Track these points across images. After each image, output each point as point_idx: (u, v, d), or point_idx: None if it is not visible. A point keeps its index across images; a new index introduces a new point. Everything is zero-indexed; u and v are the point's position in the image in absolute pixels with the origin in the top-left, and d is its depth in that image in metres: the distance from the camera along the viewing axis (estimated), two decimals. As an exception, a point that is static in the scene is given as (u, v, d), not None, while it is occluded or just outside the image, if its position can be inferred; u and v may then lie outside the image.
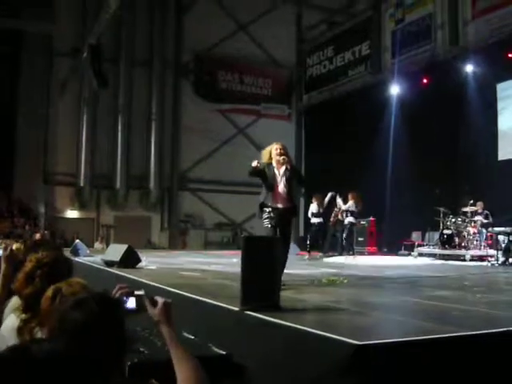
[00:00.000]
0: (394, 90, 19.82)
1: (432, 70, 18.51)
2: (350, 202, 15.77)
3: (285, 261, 6.80)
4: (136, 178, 23.20)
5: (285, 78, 26.48)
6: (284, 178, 7.06)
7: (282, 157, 7.06)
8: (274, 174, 7.09)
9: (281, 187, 7.08)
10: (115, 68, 22.52)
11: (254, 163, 7.01)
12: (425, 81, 18.68)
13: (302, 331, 3.90)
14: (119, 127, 22.78)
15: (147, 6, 23.45)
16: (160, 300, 2.31)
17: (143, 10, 23.35)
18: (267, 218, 7.03)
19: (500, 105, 17.20)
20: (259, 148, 25.07)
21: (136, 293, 2.28)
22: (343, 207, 15.93)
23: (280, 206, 7.07)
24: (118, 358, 1.99)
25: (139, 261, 9.97)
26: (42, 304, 2.70)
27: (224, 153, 24.36)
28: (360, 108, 20.12)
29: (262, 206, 7.16)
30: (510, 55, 15.78)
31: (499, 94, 17.22)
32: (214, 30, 24.23)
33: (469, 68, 17.36)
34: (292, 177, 7.13)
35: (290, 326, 4.06)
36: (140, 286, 6.61)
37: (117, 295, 2.29)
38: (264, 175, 7.15)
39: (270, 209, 7.02)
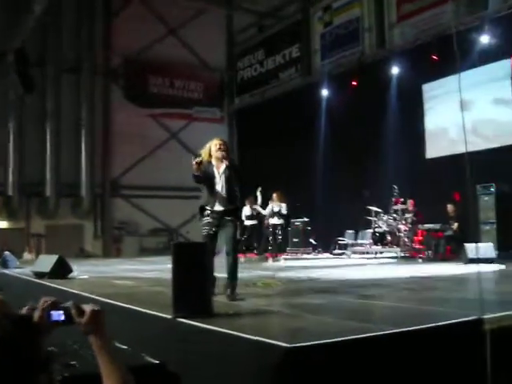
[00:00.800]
0: (324, 92, 20.10)
1: (360, 72, 18.84)
2: (275, 204, 15.86)
3: (233, 266, 6.39)
4: (67, 186, 22.65)
5: (216, 81, 26.45)
6: (224, 177, 6.53)
7: (221, 153, 6.62)
8: (213, 172, 6.58)
9: (220, 187, 6.55)
10: (43, 72, 21.96)
11: (194, 161, 6.45)
12: (353, 83, 19.01)
13: (234, 336, 3.90)
14: (48, 134, 22.17)
15: (75, 9, 22.93)
16: (87, 308, 2.22)
17: (71, 13, 22.80)
18: (206, 223, 6.49)
19: (426, 105, 17.69)
20: (192, 152, 25.03)
21: (63, 305, 2.20)
22: (264, 212, 16.03)
23: (220, 208, 6.51)
24: (30, 378, 1.90)
25: (70, 271, 9.77)
26: None
27: (157, 158, 24.12)
28: (291, 110, 20.31)
29: (202, 209, 6.62)
30: (433, 57, 16.22)
31: (425, 95, 17.71)
32: (144, 34, 23.95)
33: (395, 70, 17.79)
34: (232, 175, 6.58)
35: (221, 332, 4.06)
36: (70, 297, 6.47)
37: (41, 308, 2.21)
38: (207, 177, 6.62)
39: (209, 212, 6.51)
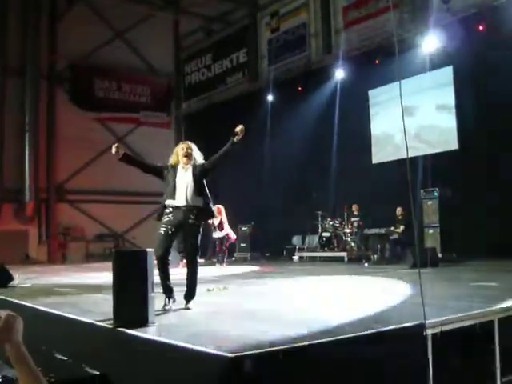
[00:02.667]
0: (271, 97, 20.15)
1: (307, 77, 18.99)
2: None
3: (193, 269, 6.16)
4: (10, 191, 22.10)
5: (163, 85, 26.25)
6: (191, 178, 6.29)
7: (186, 158, 6.42)
8: (177, 174, 6.36)
9: (185, 184, 6.28)
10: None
11: (114, 150, 6.35)
12: (300, 88, 19.14)
13: (176, 346, 3.83)
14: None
15: (20, 11, 22.41)
16: (2, 315, 2.11)
17: (16, 15, 22.29)
18: (165, 222, 6.16)
19: (372, 110, 17.95)
20: (139, 156, 24.81)
21: None
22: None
23: (181, 204, 6.21)
24: None
25: (11, 279, 9.49)
26: None
27: (103, 162, 23.69)
28: (238, 115, 20.13)
29: (163, 207, 6.31)
30: (378, 62, 16.47)
31: (371, 101, 17.97)
32: (90, 37, 23.57)
33: (342, 75, 17.98)
34: (199, 175, 6.36)
35: (163, 342, 3.98)
36: (9, 306, 6.27)
37: None
38: (149, 169, 6.68)
39: (171, 209, 6.22)
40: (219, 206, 14.31)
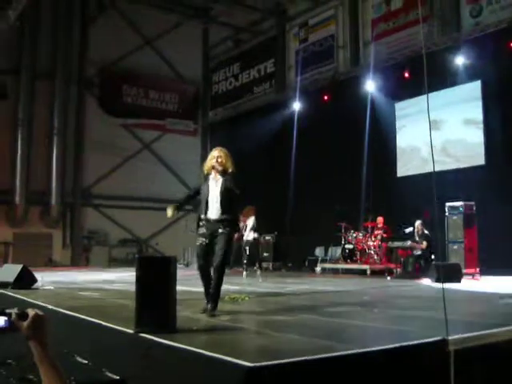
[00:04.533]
0: (297, 107, 20.16)
1: (334, 88, 18.99)
2: (252, 218, 15.79)
3: (218, 277, 6.30)
4: (37, 193, 22.35)
5: (191, 93, 26.42)
6: (220, 189, 6.43)
7: (219, 167, 6.49)
8: (209, 185, 6.50)
9: (215, 198, 6.44)
10: (16, 79, 21.73)
11: (169, 213, 6.80)
12: (327, 99, 19.13)
13: (196, 353, 3.83)
14: (19, 141, 21.90)
15: (52, 16, 22.76)
16: (30, 313, 2.16)
17: (47, 20, 22.64)
18: (200, 234, 6.42)
19: (398, 123, 17.86)
20: (164, 163, 25.03)
21: (7, 311, 2.14)
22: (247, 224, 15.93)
23: (212, 217, 6.40)
24: None
25: (35, 281, 9.60)
26: None
27: (129, 168, 23.96)
28: (265, 125, 20.37)
29: (198, 219, 6.54)
30: (406, 76, 16.42)
31: (397, 113, 17.89)
32: (120, 44, 23.86)
33: (369, 87, 17.94)
34: (228, 187, 6.45)
35: (183, 348, 3.99)
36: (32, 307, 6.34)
37: None
38: (195, 195, 6.88)
39: (204, 222, 6.42)
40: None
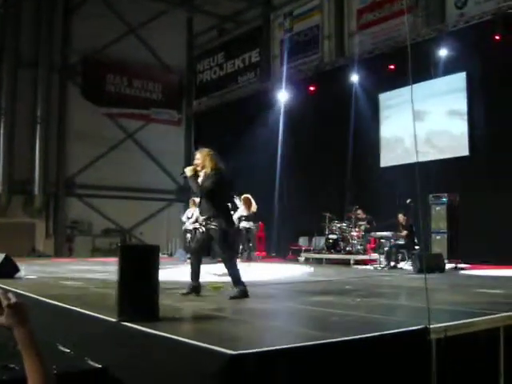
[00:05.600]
0: (283, 97, 20.13)
1: (319, 79, 18.98)
2: (242, 207, 15.83)
3: (229, 272, 6.87)
4: (19, 183, 22.16)
5: (175, 82, 26.26)
6: (202, 187, 6.84)
7: (198, 168, 6.93)
8: (197, 184, 6.90)
9: (200, 197, 6.95)
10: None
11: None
12: (312, 89, 19.13)
13: (178, 341, 3.83)
14: (1, 129, 21.66)
15: (34, 4, 22.49)
16: (12, 298, 2.11)
17: (29, 8, 22.34)
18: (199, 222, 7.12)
19: (383, 114, 17.92)
20: (148, 153, 24.89)
21: None
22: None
23: (201, 215, 6.97)
24: None
25: (17, 270, 9.53)
26: None
27: (112, 158, 23.80)
28: (249, 114, 20.32)
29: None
30: (391, 67, 16.44)
31: (382, 104, 17.94)
32: (103, 32, 23.61)
33: (354, 78, 17.96)
34: (204, 185, 6.82)
35: (165, 337, 3.98)
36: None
37: None
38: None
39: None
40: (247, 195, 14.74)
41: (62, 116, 23.37)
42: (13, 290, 7.37)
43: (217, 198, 6.81)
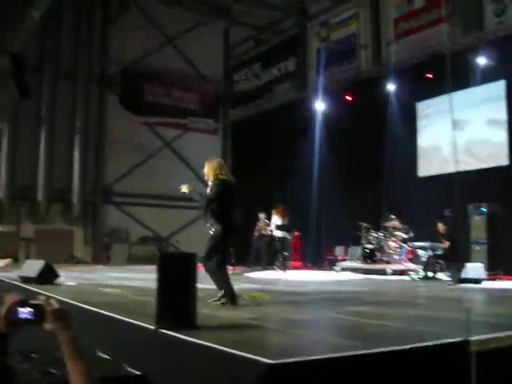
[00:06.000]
0: (319, 106, 20.10)
1: (356, 87, 18.92)
2: (275, 217, 15.94)
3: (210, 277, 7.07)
4: (58, 191, 22.55)
5: (212, 92, 26.46)
6: (206, 196, 7.20)
7: (205, 178, 7.41)
8: (198, 197, 7.42)
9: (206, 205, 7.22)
10: (39, 79, 21.90)
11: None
12: (349, 98, 19.07)
13: (216, 350, 3.84)
14: (42, 139, 22.11)
15: (73, 15, 22.92)
16: (54, 304, 2.17)
17: (69, 19, 22.79)
18: None
19: (420, 123, 17.73)
20: (185, 162, 25.11)
21: (32, 302, 2.14)
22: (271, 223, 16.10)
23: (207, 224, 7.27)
24: None
25: (57, 276, 9.69)
26: None
27: (150, 166, 24.06)
28: (286, 123, 20.34)
29: None
30: (428, 76, 16.30)
31: (419, 113, 17.76)
32: (142, 43, 23.95)
33: (391, 87, 17.84)
34: (208, 194, 7.18)
35: (203, 345, 4.00)
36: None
37: (8, 305, 2.15)
38: None
39: None
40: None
41: (100, 125, 23.75)
42: (53, 296, 7.51)
43: (217, 208, 7.05)
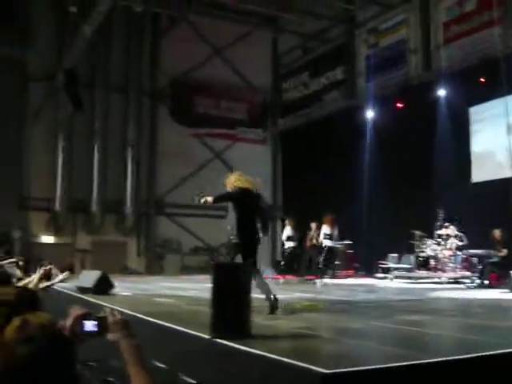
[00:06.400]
0: (369, 114, 19.97)
1: (406, 93, 18.71)
2: (325, 226, 15.92)
3: None
4: (112, 203, 23.00)
5: (260, 102, 26.56)
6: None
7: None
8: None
9: None
10: (91, 93, 22.44)
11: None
12: (399, 105, 18.87)
13: (271, 359, 3.87)
14: (95, 152, 22.62)
15: (123, 30, 23.44)
16: (117, 315, 2.25)
17: (119, 34, 23.32)
18: None
19: (473, 128, 17.40)
20: (235, 172, 25.17)
21: (97, 315, 2.22)
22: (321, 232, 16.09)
23: None
24: None
25: (113, 287, 9.89)
26: (6, 334, 2.62)
27: (200, 177, 24.24)
28: (335, 132, 20.24)
29: None
30: (481, 79, 16.01)
31: (472, 118, 17.42)
32: (191, 55, 24.24)
33: (442, 92, 17.59)
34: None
35: (258, 354, 4.03)
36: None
37: (74, 318, 2.22)
38: None
39: None
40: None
41: (152, 137, 24.15)
42: (110, 306, 7.66)
43: (236, 216, 7.61)
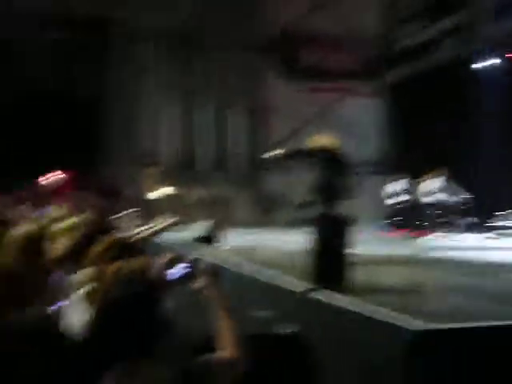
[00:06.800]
0: (493, 62, 18.68)
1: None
2: (438, 180, 15.36)
3: None
4: (220, 158, 23.46)
5: (372, 52, 25.64)
6: None
7: None
8: None
9: None
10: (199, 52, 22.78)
11: None
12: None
13: (367, 314, 3.82)
14: (205, 109, 23.09)
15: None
16: (206, 263, 2.31)
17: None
18: None
19: None
20: (345, 127, 24.79)
21: (187, 258, 2.29)
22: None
23: None
24: (151, 341, 1.96)
25: (219, 239, 10.14)
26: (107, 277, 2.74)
27: (309, 133, 24.08)
28: (455, 82, 19.20)
29: None
30: None
31: None
32: (297, 6, 23.74)
33: None
34: None
35: (354, 309, 4.00)
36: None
37: (165, 262, 2.30)
38: None
39: None
40: None
41: (258, 92, 24.17)
42: (212, 256, 7.85)
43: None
